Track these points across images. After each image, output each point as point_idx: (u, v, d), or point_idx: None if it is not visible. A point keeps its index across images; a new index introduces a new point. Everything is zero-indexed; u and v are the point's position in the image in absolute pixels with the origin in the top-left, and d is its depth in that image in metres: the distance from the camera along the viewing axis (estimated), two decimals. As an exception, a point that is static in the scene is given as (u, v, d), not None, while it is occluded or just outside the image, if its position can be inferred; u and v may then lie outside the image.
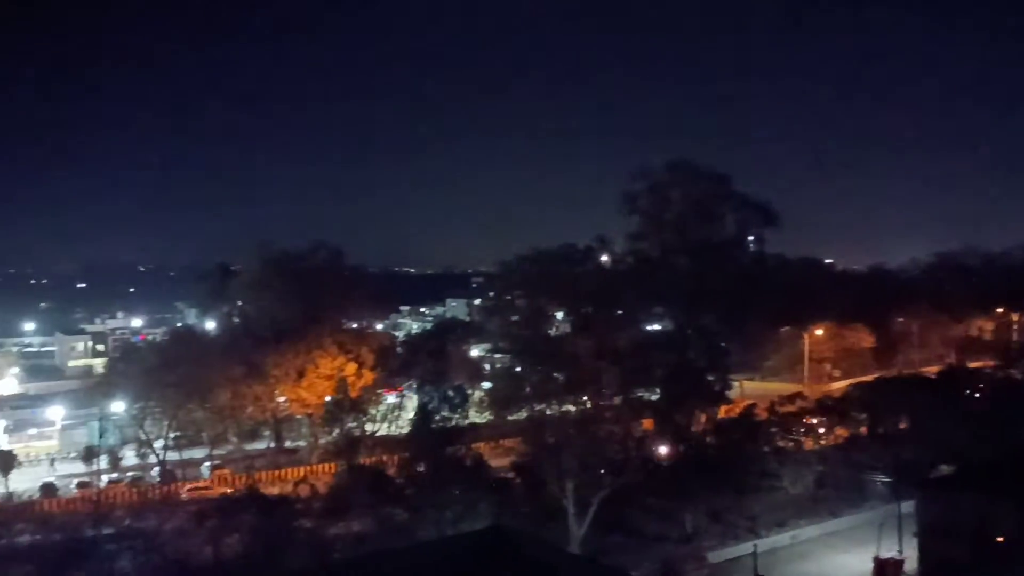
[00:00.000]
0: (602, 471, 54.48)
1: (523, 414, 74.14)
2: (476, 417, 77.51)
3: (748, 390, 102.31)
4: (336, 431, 76.14)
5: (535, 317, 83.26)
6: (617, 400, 71.83)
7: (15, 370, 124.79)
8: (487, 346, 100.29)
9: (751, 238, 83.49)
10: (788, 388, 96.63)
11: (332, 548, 49.70)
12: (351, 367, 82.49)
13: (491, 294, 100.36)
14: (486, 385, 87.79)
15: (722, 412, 77.71)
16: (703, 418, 74.45)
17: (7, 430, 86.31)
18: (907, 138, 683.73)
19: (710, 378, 73.55)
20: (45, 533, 51.73)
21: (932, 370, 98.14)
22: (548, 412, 70.66)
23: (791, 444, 72.90)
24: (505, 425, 76.63)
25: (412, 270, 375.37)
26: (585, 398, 72.71)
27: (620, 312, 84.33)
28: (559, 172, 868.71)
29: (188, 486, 72.10)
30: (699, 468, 60.03)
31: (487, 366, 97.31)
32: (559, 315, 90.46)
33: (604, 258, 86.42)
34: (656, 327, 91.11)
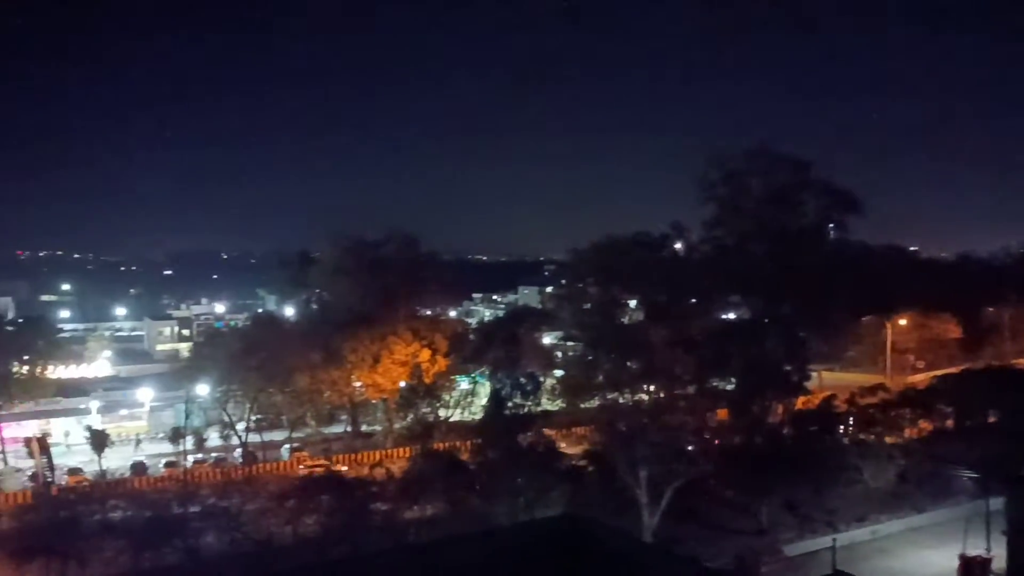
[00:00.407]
0: (676, 461, 53.91)
1: (595, 402, 74.06)
2: (548, 405, 77.61)
3: (827, 381, 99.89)
4: (410, 416, 77.56)
5: (608, 305, 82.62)
6: (691, 390, 71.11)
7: (107, 353, 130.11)
8: (559, 334, 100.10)
9: (832, 225, 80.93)
10: (869, 379, 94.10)
11: (406, 531, 50.66)
12: (425, 353, 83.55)
13: (563, 282, 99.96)
14: (558, 373, 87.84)
15: (800, 403, 76.07)
16: (780, 409, 72.91)
17: (100, 411, 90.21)
18: (1000, 123, 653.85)
19: (788, 368, 71.90)
20: (136, 509, 53.87)
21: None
22: (621, 400, 70.43)
23: (872, 436, 70.90)
24: (577, 413, 76.62)
25: (485, 258, 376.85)
26: (658, 387, 72.12)
27: (695, 301, 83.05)
28: (634, 161, 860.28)
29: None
30: (775, 460, 58.78)
31: (559, 354, 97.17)
32: (632, 303, 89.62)
33: (679, 246, 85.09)
34: (732, 316, 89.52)
